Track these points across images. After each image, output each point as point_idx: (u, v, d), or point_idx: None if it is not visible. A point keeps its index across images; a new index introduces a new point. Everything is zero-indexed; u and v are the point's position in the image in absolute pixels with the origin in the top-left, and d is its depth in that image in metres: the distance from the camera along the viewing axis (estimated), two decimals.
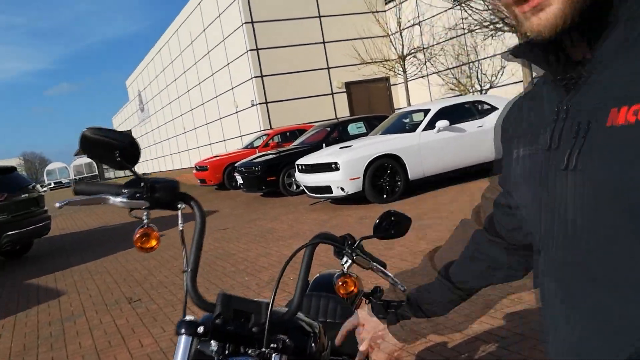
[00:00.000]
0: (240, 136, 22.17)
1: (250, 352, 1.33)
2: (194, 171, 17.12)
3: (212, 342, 1.32)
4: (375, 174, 9.20)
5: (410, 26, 18.99)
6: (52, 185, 57.98)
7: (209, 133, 26.65)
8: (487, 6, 13.16)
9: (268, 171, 12.30)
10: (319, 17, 20.55)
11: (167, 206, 1.40)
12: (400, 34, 18.25)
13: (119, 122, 55.19)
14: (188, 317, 1.32)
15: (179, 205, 1.41)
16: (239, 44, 20.53)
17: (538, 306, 3.01)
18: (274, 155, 12.74)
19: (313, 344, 1.49)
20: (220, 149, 24.28)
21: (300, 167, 10.23)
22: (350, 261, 1.57)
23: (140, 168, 47.20)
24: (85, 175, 60.80)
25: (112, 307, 5.70)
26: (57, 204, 1.38)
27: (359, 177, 9.14)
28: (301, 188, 11.10)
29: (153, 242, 1.39)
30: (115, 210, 16.92)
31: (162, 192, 1.38)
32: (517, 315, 3.68)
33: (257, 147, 15.94)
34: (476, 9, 13.62)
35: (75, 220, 16.07)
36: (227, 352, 1.33)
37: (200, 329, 1.29)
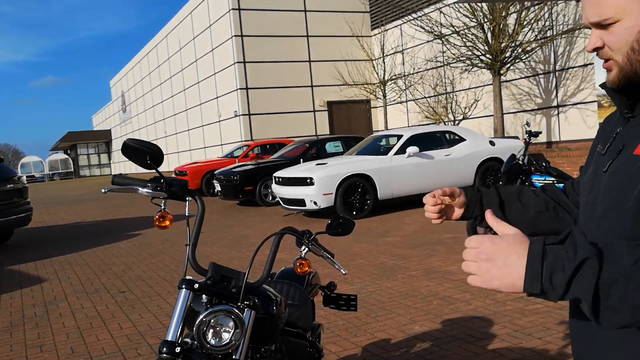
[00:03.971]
0: (221, 145, 22.66)
1: (230, 305, 1.88)
2: (173, 175, 17.54)
3: (204, 296, 1.86)
4: (347, 191, 9.80)
5: (392, 53, 19.78)
6: (25, 178, 57.30)
7: (189, 139, 27.07)
8: (465, 43, 13.94)
9: (246, 181, 12.82)
10: (307, 36, 21.23)
11: (179, 198, 1.96)
12: (383, 60, 19.01)
13: (99, 121, 55.19)
14: (188, 277, 1.86)
15: (187, 198, 1.97)
16: (226, 55, 21.11)
17: (472, 315, 3.69)
18: (253, 166, 13.27)
19: (275, 308, 2.05)
20: (200, 156, 24.71)
21: (277, 179, 10.78)
22: (307, 249, 2.13)
23: (118, 169, 47.20)
24: (60, 171, 60.27)
25: (92, 295, 6.16)
26: (103, 190, 1.93)
27: (331, 193, 9.72)
28: (276, 199, 11.64)
29: (167, 222, 1.94)
30: (92, 208, 17.24)
31: (177, 188, 1.94)
32: (453, 321, 4.27)
33: (237, 157, 16.45)
34: (454, 44, 14.40)
35: (52, 215, 16.35)
36: (213, 303, 1.87)
37: (196, 286, 1.84)
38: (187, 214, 1.95)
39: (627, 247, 0.91)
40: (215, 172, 14.40)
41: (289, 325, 2.51)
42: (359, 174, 9.90)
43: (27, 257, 8.92)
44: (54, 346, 4.53)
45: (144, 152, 1.86)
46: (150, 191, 1.92)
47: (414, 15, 16.47)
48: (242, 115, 20.46)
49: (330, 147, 14.07)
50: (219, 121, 22.74)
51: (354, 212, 9.84)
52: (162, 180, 1.93)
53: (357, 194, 9.90)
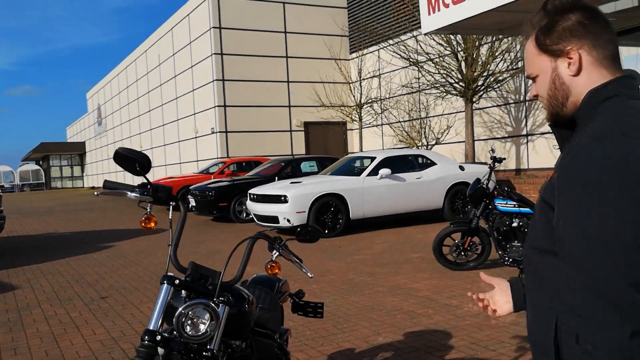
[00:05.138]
0: (197, 161, 22.76)
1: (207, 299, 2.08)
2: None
3: (183, 291, 2.07)
4: (320, 210, 10.03)
5: (369, 77, 20.23)
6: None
7: (165, 154, 27.09)
8: (439, 70, 14.40)
9: (221, 197, 12.97)
10: (286, 57, 21.59)
11: (163, 202, 2.17)
12: (360, 83, 19.44)
13: (73, 133, 54.72)
14: (169, 274, 2.07)
15: (171, 203, 2.18)
16: (206, 73, 21.33)
17: (433, 328, 3.96)
18: (228, 183, 13.44)
19: (247, 305, 2.26)
20: (175, 172, 24.75)
21: (252, 196, 10.96)
22: (277, 253, 2.36)
23: (90, 181, 46.77)
24: (31, 182, 59.41)
25: (66, 302, 6.25)
26: (96, 193, 2.13)
27: (304, 211, 9.94)
28: (250, 216, 11.80)
29: (152, 224, 2.15)
30: (64, 219, 17.16)
31: (162, 193, 2.15)
32: (415, 334, 4.51)
33: (212, 173, 16.59)
34: (429, 71, 14.86)
35: (23, 225, 16.24)
36: (191, 298, 2.08)
37: (176, 282, 2.04)
38: (170, 217, 2.16)
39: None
40: (190, 188, 14.52)
41: (259, 326, 2.71)
42: (332, 193, 10.14)
43: None
44: (28, 349, 4.64)
45: (133, 160, 2.07)
46: (138, 195, 2.13)
47: (390, 41, 16.94)
48: (219, 132, 20.64)
49: (305, 166, 14.32)
50: (196, 137, 22.87)
51: (326, 231, 10.06)
52: (149, 186, 2.14)
53: (329, 213, 10.13)
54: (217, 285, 2.11)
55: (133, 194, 2.14)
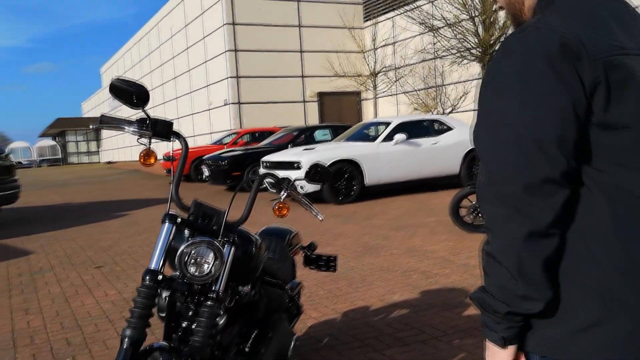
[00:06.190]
0: (211, 133, 22.67)
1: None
2: (162, 161, 17.53)
3: (186, 231, 1.95)
4: (334, 176, 9.87)
5: (384, 45, 19.87)
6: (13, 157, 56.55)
7: (179, 127, 27.03)
8: (455, 35, 14.06)
9: (234, 166, 12.85)
10: (299, 26, 21.28)
11: (163, 137, 2.03)
12: (374, 51, 19.10)
13: (89, 108, 54.87)
14: (171, 212, 1.94)
15: (172, 138, 2.04)
16: (218, 44, 21.10)
17: (450, 287, 3.82)
18: (241, 152, 13.32)
19: (254, 248, 2.14)
20: (189, 144, 24.68)
21: (265, 163, 10.85)
22: (285, 193, 2.23)
23: (106, 156, 46.99)
24: (48, 157, 59.84)
25: (79, 266, 6.22)
26: (91, 126, 2.00)
27: None
28: (264, 185, 11.67)
29: (152, 160, 2.02)
30: (79, 191, 17.22)
31: (161, 128, 2.01)
32: (431, 292, 4.39)
33: (226, 144, 16.48)
34: (445, 36, 14.52)
35: (40, 196, 16.32)
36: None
37: (179, 220, 1.92)
38: (171, 155, 2.04)
39: None
40: (203, 157, 14.44)
41: (269, 276, 2.60)
42: (346, 159, 9.98)
43: (14, 233, 8.94)
44: (40, 310, 4.60)
45: (130, 92, 1.94)
46: (136, 130, 2.00)
47: (406, 7, 16.57)
48: (232, 103, 20.49)
49: (319, 134, 14.14)
50: (209, 109, 22.74)
51: (340, 198, 9.94)
52: (147, 120, 2.00)
53: (344, 180, 9.99)
54: (221, 224, 1.98)
55: (131, 128, 2.00)
